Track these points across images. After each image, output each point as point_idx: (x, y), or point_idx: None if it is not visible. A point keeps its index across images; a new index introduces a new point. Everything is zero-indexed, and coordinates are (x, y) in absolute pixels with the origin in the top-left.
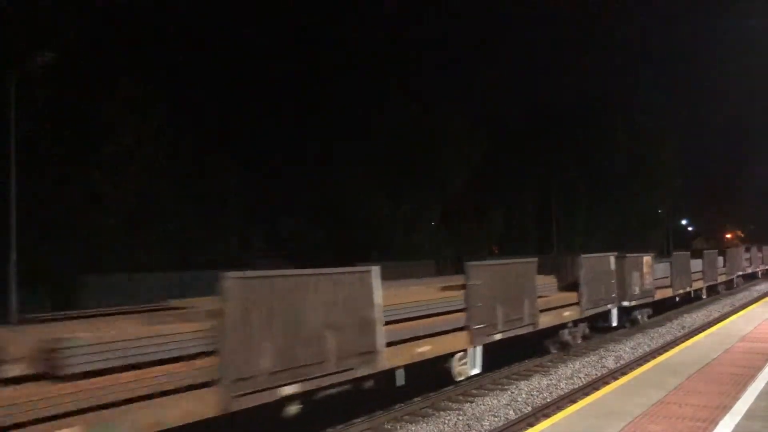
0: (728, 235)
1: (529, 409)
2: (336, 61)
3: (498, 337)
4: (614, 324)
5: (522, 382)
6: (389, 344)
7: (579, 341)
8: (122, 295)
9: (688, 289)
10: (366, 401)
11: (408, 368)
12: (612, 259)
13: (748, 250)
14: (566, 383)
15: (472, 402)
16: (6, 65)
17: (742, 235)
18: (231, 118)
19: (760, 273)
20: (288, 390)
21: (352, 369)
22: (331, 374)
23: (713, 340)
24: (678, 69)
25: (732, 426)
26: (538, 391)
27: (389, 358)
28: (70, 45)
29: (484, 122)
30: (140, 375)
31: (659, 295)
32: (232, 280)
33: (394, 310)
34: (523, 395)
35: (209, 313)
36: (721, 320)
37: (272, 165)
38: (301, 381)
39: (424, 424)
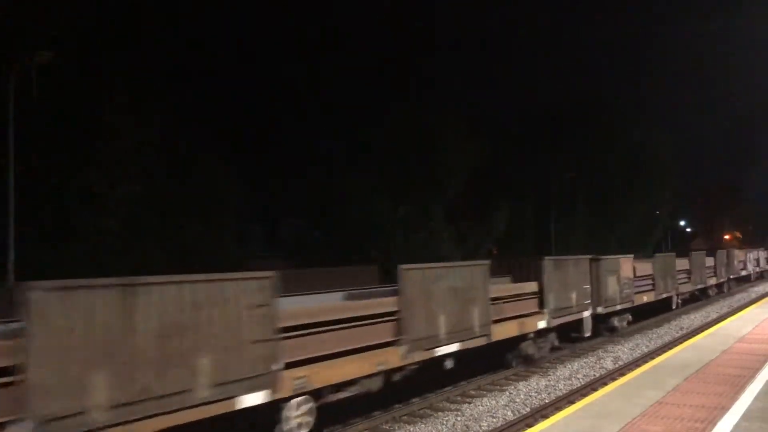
0: (726, 236)
1: (528, 409)
2: (335, 61)
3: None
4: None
5: (520, 383)
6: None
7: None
8: None
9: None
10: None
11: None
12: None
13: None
14: (564, 384)
15: (470, 403)
16: (4, 65)
17: (740, 236)
18: (230, 118)
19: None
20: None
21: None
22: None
23: (711, 341)
24: (678, 70)
25: (730, 427)
26: (536, 392)
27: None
28: (70, 45)
29: (484, 123)
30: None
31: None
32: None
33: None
34: (522, 396)
35: None
36: (719, 321)
37: (272, 166)
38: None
39: (422, 425)
